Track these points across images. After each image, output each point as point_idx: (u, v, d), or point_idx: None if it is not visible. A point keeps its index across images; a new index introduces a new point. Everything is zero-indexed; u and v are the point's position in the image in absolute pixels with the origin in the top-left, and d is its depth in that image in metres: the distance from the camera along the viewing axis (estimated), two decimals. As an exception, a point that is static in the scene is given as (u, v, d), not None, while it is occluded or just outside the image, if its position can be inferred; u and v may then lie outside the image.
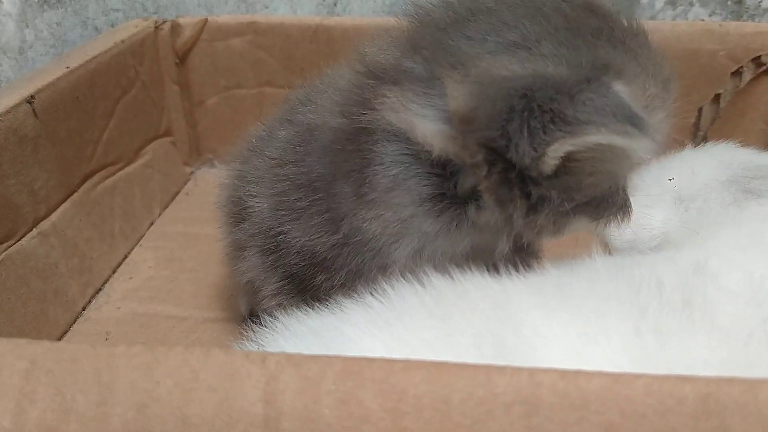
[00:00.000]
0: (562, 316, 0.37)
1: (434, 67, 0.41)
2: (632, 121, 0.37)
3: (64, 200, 0.69)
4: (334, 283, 0.47)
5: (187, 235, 0.80)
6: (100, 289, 0.72)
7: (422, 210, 0.44)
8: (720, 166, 0.51)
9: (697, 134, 0.82)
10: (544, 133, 0.37)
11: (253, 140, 0.56)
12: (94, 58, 0.74)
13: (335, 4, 0.92)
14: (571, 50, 0.40)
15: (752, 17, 0.86)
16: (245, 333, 0.44)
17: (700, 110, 0.82)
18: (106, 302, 0.70)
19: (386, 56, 0.44)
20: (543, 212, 0.43)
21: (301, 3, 0.92)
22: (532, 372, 0.30)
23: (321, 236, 0.46)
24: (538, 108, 0.37)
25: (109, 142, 0.76)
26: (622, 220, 0.46)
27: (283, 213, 0.48)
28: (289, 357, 0.32)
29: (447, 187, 0.43)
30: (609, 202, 0.45)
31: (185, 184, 0.91)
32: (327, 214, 0.46)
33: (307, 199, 0.47)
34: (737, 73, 0.80)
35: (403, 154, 0.43)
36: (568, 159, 0.39)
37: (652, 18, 0.88)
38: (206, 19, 0.87)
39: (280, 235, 0.49)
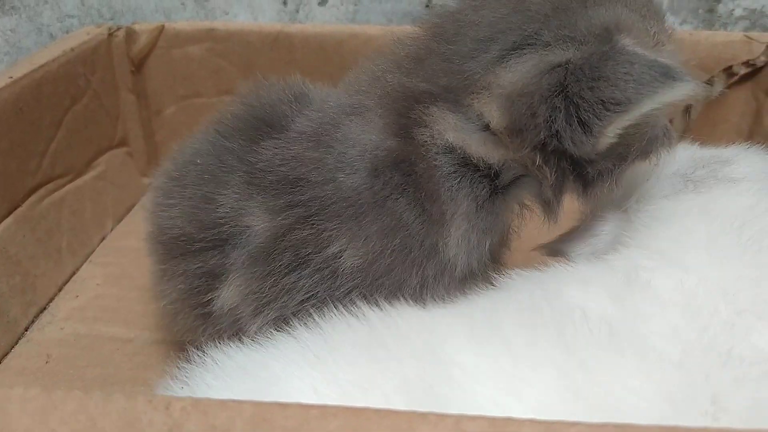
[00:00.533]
0: (492, 353, 0.35)
1: (454, 91, 0.44)
2: (668, 74, 0.39)
3: (7, 216, 0.66)
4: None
5: (139, 251, 0.75)
6: (44, 308, 0.69)
7: (481, 212, 0.46)
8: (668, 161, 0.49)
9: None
10: (599, 119, 0.40)
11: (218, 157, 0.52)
12: (41, 67, 0.71)
13: (297, 11, 0.89)
14: (569, 28, 0.41)
15: (724, 26, 0.84)
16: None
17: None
18: (50, 322, 0.67)
19: (403, 80, 0.46)
20: (600, 183, 0.45)
21: (262, 9, 0.90)
22: (458, 420, 0.28)
23: (381, 247, 0.46)
24: (581, 99, 0.39)
25: (57, 154, 0.73)
26: (668, 146, 0.47)
27: (310, 232, 0.46)
28: (196, 403, 0.29)
29: (494, 184, 0.46)
30: (653, 139, 0.46)
31: (142, 196, 0.88)
32: (381, 228, 0.46)
33: (344, 215, 0.46)
34: (708, 84, 0.78)
35: (455, 164, 0.45)
36: (627, 130, 0.41)
37: (622, 26, 0.86)
38: (163, 26, 0.84)
39: (304, 254, 0.47)
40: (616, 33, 0.41)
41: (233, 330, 0.49)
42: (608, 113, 0.39)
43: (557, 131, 0.41)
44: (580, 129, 0.40)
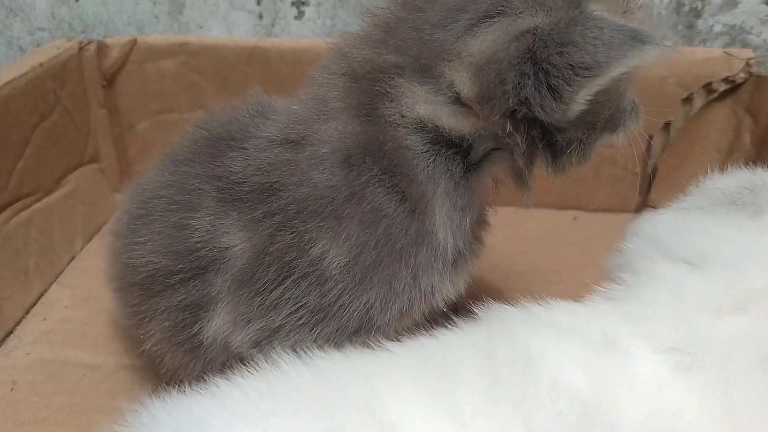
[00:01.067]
0: (439, 417, 0.33)
1: (423, 62, 0.43)
2: (637, 37, 0.38)
3: (-29, 237, 0.64)
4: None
5: (109, 271, 0.75)
6: (11, 332, 0.67)
7: (460, 188, 0.45)
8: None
9: (647, 163, 0.79)
10: (569, 84, 0.39)
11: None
12: (8, 83, 0.69)
13: (273, 25, 0.88)
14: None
15: (704, 41, 0.83)
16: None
17: (650, 138, 0.79)
18: (17, 346, 0.65)
19: (370, 54, 0.45)
20: (570, 152, 0.44)
21: (237, 23, 0.88)
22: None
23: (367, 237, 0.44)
24: (550, 65, 0.39)
25: (25, 172, 0.71)
26: (636, 122, 0.47)
27: (292, 237, 0.45)
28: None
29: (467, 159, 0.45)
30: (622, 112, 0.46)
31: (114, 213, 0.86)
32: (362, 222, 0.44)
33: (325, 211, 0.45)
34: (688, 100, 0.78)
35: (427, 142, 0.44)
36: (598, 96, 0.41)
37: (601, 42, 0.85)
38: (135, 40, 0.82)
39: (289, 262, 0.45)
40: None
41: (225, 358, 0.48)
42: (578, 78, 0.39)
43: (526, 98, 0.40)
44: (549, 95, 0.40)
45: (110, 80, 0.83)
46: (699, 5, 0.82)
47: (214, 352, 0.48)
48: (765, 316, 0.35)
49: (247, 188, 0.46)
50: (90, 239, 0.81)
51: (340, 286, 0.45)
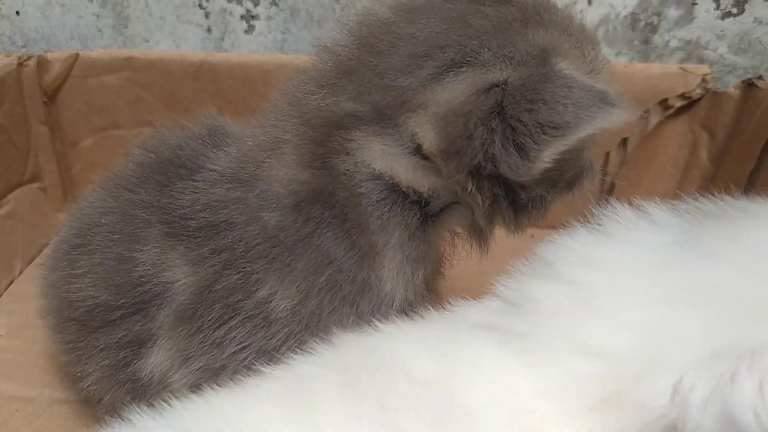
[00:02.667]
0: None
1: (383, 110, 0.41)
2: (606, 100, 0.38)
3: None
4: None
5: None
6: (-60, 362, 0.63)
7: (415, 240, 0.44)
8: None
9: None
10: (536, 143, 0.38)
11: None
12: (-60, 101, 0.65)
13: (222, 39, 0.85)
14: (509, 48, 0.40)
15: (660, 57, 0.82)
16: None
17: (607, 155, 0.78)
18: (-54, 378, 0.62)
19: (327, 102, 0.43)
20: (531, 210, 0.44)
21: (185, 37, 0.85)
22: None
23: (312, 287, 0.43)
24: (519, 121, 0.38)
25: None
26: (591, 181, 0.47)
27: (238, 277, 0.43)
28: None
29: (425, 211, 0.44)
30: (581, 170, 0.46)
31: (56, 234, 0.82)
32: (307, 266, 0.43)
33: (269, 257, 0.43)
34: (643, 117, 0.77)
35: (383, 190, 0.43)
36: (562, 156, 0.40)
37: (558, 57, 0.84)
38: (77, 54, 0.79)
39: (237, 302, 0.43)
40: (553, 56, 0.40)
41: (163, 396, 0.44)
42: (545, 137, 0.38)
43: (493, 154, 0.39)
44: (516, 153, 0.39)
45: (51, 96, 0.80)
46: (655, 20, 0.81)
47: (155, 391, 0.46)
48: None
49: (194, 224, 0.44)
50: (30, 261, 0.78)
51: (286, 329, 0.43)
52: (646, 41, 0.82)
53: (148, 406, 0.38)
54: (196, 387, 0.43)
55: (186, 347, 0.44)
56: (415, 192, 0.43)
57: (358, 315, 0.43)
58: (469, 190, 0.41)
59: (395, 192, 0.43)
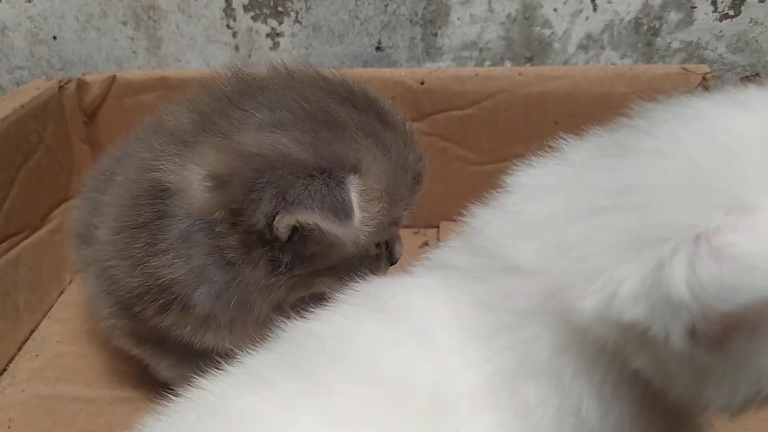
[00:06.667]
0: None
1: (203, 129, 0.48)
2: (337, 212, 0.45)
3: (-39, 280, 0.66)
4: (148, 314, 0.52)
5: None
6: (4, 370, 0.69)
7: (212, 260, 0.49)
8: None
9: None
10: (272, 206, 0.45)
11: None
12: (-8, 127, 0.71)
13: (249, 56, 0.90)
14: (317, 140, 0.47)
15: (663, 58, 0.87)
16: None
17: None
18: (11, 384, 0.67)
19: (176, 116, 0.52)
20: (287, 272, 0.49)
21: (215, 55, 0.90)
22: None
23: (128, 276, 0.51)
24: (271, 184, 0.45)
25: (11, 212, 0.72)
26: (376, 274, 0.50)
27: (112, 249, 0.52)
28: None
29: (228, 242, 0.49)
30: (351, 267, 0.50)
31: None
32: (128, 259, 0.50)
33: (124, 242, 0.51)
34: (650, 115, 0.81)
35: (182, 202, 0.49)
36: (298, 231, 0.47)
37: (566, 62, 0.89)
38: (114, 76, 0.84)
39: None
40: (348, 168, 0.47)
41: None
42: (277, 204, 0.45)
43: (249, 200, 0.45)
44: (260, 208, 0.45)
45: (91, 116, 0.85)
46: (657, 24, 0.85)
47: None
48: None
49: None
50: (78, 271, 0.83)
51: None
52: (649, 44, 0.86)
53: None
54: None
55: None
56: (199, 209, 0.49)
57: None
58: (221, 218, 0.48)
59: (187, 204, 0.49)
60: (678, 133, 0.34)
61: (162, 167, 0.49)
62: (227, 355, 0.41)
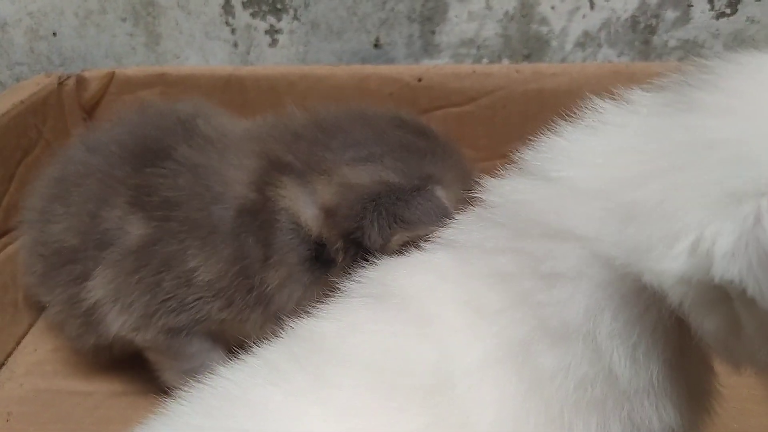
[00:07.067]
0: None
1: (308, 168, 0.56)
2: (440, 218, 0.49)
3: (-40, 273, 0.66)
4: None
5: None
6: (3, 364, 0.69)
7: (303, 267, 0.56)
8: None
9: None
10: (389, 228, 0.52)
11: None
12: (-8, 122, 0.71)
13: (248, 53, 0.90)
14: (405, 165, 0.55)
15: (660, 56, 0.87)
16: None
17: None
18: (9, 378, 0.67)
19: (274, 147, 0.58)
20: None
21: (213, 52, 0.91)
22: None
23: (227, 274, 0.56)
24: (385, 210, 0.53)
25: (10, 207, 0.73)
26: None
27: (178, 245, 0.56)
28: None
29: (320, 252, 0.56)
30: None
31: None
32: (230, 255, 0.56)
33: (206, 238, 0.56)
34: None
35: (290, 222, 0.56)
36: (405, 243, 0.51)
37: (563, 60, 0.89)
38: (113, 72, 0.84)
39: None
40: (435, 182, 0.55)
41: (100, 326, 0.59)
42: (396, 226, 0.52)
43: (362, 226, 0.53)
44: (377, 231, 0.53)
45: (90, 112, 0.86)
46: (654, 22, 0.86)
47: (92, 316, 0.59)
48: None
49: (156, 199, 0.57)
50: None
51: (200, 293, 0.56)
52: (646, 42, 0.87)
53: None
54: (135, 330, 0.58)
55: (125, 285, 0.57)
56: (308, 232, 0.55)
57: (246, 301, 0.56)
58: (336, 246, 0.54)
59: (298, 225, 0.55)
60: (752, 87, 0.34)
61: (277, 194, 0.56)
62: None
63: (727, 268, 0.29)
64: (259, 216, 0.56)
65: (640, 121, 0.38)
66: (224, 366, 0.41)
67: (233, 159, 0.59)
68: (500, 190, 0.41)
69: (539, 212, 0.37)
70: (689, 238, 0.31)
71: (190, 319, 0.57)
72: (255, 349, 0.42)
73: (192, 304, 0.56)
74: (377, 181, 0.54)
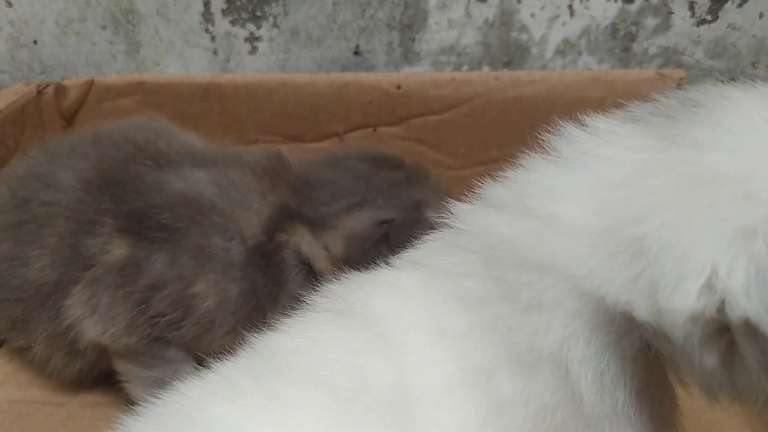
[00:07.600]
0: None
1: (314, 223, 0.61)
2: None
3: (-65, 284, 0.66)
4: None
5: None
6: (-22, 374, 0.69)
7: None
8: None
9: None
10: None
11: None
12: (-32, 131, 0.71)
13: (228, 60, 0.90)
14: (396, 199, 0.61)
15: (640, 64, 0.87)
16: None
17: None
18: (-17, 388, 0.67)
19: (286, 198, 0.63)
20: None
21: (194, 60, 0.91)
22: None
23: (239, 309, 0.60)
24: (397, 246, 0.52)
25: (-13, 216, 0.73)
26: None
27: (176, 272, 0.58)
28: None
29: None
30: None
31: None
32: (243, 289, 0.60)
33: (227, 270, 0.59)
34: (625, 121, 0.81)
35: (301, 262, 0.61)
36: None
37: (543, 67, 0.89)
38: (92, 80, 0.84)
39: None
40: (424, 206, 0.61)
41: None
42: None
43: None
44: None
45: (69, 120, 0.86)
46: (634, 29, 0.86)
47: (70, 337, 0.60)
48: None
49: (152, 223, 0.59)
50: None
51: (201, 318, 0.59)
52: (626, 49, 0.87)
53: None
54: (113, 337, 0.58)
55: (106, 297, 0.57)
56: (321, 274, 0.59)
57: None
58: None
59: (305, 264, 0.61)
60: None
61: (285, 235, 0.61)
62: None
63: (741, 304, 0.29)
64: (268, 255, 0.60)
65: (624, 154, 0.36)
66: (183, 382, 0.41)
67: (236, 194, 0.62)
68: (469, 218, 0.41)
69: (517, 245, 0.37)
70: (703, 276, 0.30)
71: (174, 333, 0.58)
72: (215, 365, 0.42)
73: (182, 323, 0.58)
74: (378, 222, 0.60)
